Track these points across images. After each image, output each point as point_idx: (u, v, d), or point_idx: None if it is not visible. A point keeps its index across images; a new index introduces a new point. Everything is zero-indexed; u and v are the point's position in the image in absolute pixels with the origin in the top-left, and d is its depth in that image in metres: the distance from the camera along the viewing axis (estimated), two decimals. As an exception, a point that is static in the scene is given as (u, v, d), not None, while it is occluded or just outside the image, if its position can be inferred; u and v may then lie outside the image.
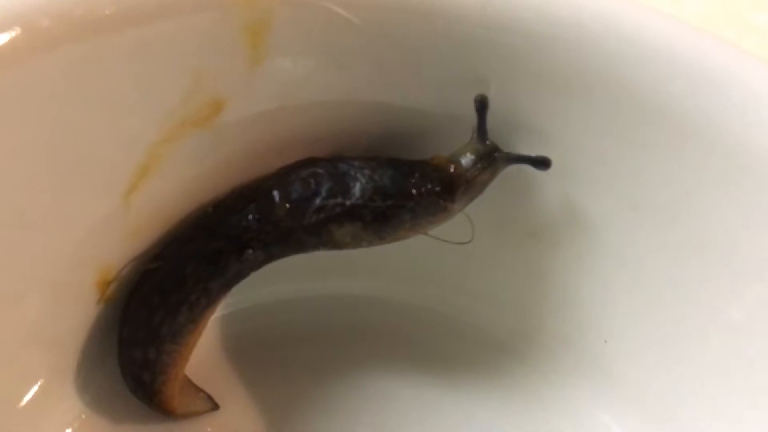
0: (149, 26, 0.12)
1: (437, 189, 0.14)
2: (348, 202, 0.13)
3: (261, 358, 0.16)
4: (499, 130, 0.14)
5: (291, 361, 0.16)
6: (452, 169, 0.14)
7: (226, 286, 0.14)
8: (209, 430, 0.15)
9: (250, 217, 0.14)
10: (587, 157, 0.14)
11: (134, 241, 0.14)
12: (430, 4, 0.13)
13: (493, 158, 0.14)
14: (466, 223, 0.15)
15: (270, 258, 0.14)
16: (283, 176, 0.14)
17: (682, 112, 0.13)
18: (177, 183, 0.14)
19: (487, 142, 0.14)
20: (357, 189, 0.14)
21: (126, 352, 0.14)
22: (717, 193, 0.13)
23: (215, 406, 0.15)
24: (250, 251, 0.14)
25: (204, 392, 0.15)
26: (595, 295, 0.15)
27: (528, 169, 0.15)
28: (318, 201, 0.13)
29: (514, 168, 0.15)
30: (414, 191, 0.14)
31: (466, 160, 0.14)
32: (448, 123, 0.14)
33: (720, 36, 0.31)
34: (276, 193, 0.14)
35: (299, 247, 0.14)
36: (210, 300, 0.14)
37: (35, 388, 0.14)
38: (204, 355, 0.15)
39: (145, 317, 0.14)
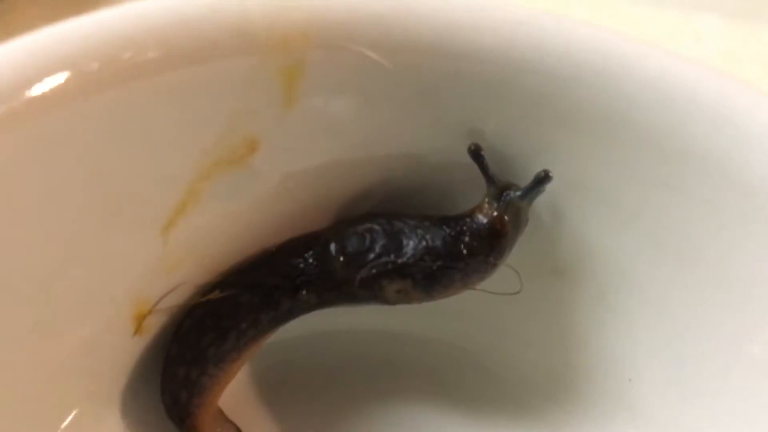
0: (190, 69, 0.12)
1: (486, 248, 0.14)
2: (399, 260, 0.14)
3: (290, 391, 0.16)
4: (524, 172, 0.15)
5: (319, 395, 0.16)
6: (496, 222, 0.14)
7: (276, 322, 0.15)
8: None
9: (309, 262, 0.14)
10: (610, 196, 0.15)
11: (171, 275, 0.14)
12: (456, 47, 0.14)
13: (509, 198, 0.14)
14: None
15: (322, 303, 0.15)
16: (342, 228, 0.15)
17: (703, 152, 0.13)
18: (214, 219, 0.14)
19: (499, 184, 0.14)
20: (409, 248, 0.14)
21: (170, 369, 0.15)
22: (738, 232, 0.14)
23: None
24: (304, 293, 0.15)
25: (234, 424, 0.15)
26: (619, 333, 0.16)
27: (551, 207, 0.15)
28: (371, 256, 0.14)
29: (538, 207, 0.15)
30: (465, 252, 0.14)
31: (495, 208, 0.14)
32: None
33: (743, 74, 0.31)
34: (333, 245, 0.14)
35: (352, 299, 0.15)
36: (258, 331, 0.15)
37: (72, 416, 0.14)
38: (238, 387, 0.16)
39: (195, 338, 0.15)
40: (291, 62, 0.13)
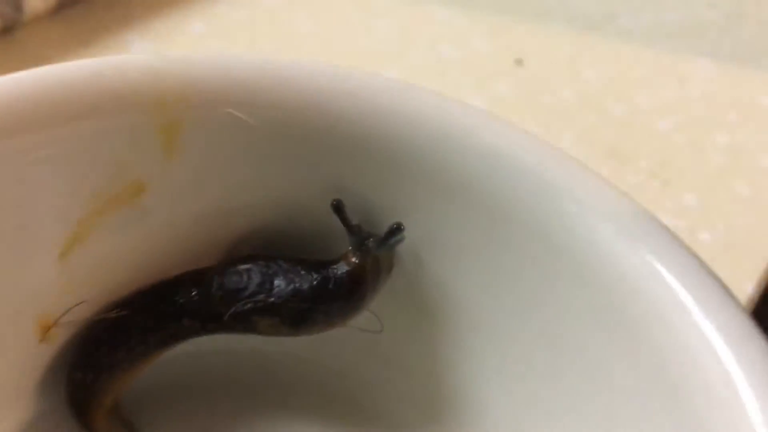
0: (76, 125, 0.15)
1: (347, 294, 0.16)
2: (270, 300, 0.16)
3: (181, 399, 0.18)
4: (386, 223, 0.16)
5: (206, 405, 0.18)
6: (357, 270, 0.16)
7: (163, 344, 0.17)
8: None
9: (193, 294, 0.17)
10: (459, 249, 0.16)
11: (71, 294, 0.17)
12: (317, 110, 0.15)
13: (368, 247, 0.16)
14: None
15: (205, 330, 0.17)
16: (224, 267, 0.17)
17: (525, 217, 0.15)
18: (108, 249, 0.16)
19: (360, 234, 0.16)
20: (280, 289, 0.16)
21: (71, 373, 0.17)
22: (559, 286, 0.15)
23: (136, 438, 0.18)
24: (187, 320, 0.17)
25: (129, 423, 0.18)
26: (472, 370, 0.17)
27: (413, 254, 0.17)
28: (246, 294, 0.16)
29: (403, 253, 0.17)
30: (328, 297, 0.16)
31: (356, 256, 0.16)
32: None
33: (720, 119, 0.32)
34: (215, 281, 0.16)
35: (230, 329, 0.17)
36: (147, 348, 0.17)
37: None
38: (136, 393, 0.18)
39: (92, 348, 0.17)
40: (168, 120, 0.15)
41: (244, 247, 0.17)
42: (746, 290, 0.25)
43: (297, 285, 0.16)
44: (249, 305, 0.16)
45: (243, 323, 0.16)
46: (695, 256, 0.14)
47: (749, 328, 0.13)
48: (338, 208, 0.16)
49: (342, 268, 0.16)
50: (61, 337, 0.17)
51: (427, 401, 0.18)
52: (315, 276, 0.16)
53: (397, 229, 0.16)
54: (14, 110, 0.14)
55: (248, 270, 0.16)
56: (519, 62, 0.33)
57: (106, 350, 0.17)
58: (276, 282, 0.16)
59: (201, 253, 0.17)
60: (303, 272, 0.16)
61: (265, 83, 0.15)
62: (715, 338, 0.13)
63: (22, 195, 0.15)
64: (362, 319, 0.17)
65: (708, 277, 0.13)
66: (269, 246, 0.17)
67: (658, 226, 0.14)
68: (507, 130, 0.15)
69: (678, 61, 0.35)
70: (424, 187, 0.16)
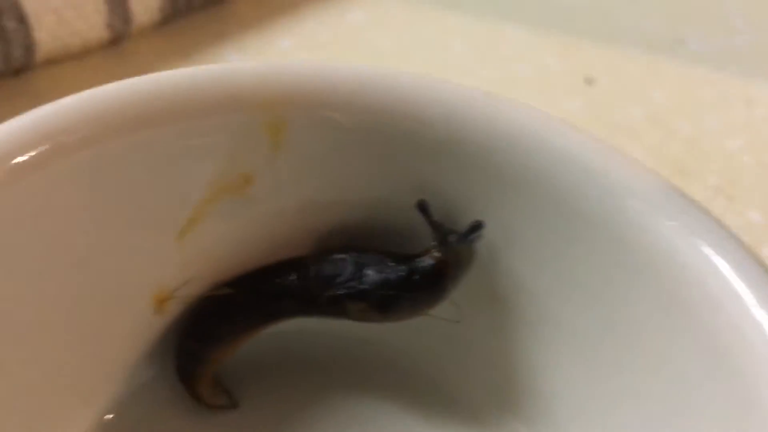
0: (195, 122, 0.17)
1: (431, 286, 0.18)
2: (360, 287, 0.18)
3: (277, 373, 0.20)
4: (466, 219, 0.18)
5: (298, 380, 0.20)
6: (441, 263, 0.18)
7: (263, 322, 0.19)
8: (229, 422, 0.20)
9: (293, 278, 0.19)
10: (533, 242, 0.18)
11: (186, 271, 0.19)
12: (402, 114, 0.17)
13: (450, 242, 0.18)
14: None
15: (301, 312, 0.19)
16: (322, 255, 0.19)
17: (592, 213, 0.17)
18: (218, 233, 0.19)
19: (443, 231, 0.18)
20: (370, 278, 0.18)
21: (182, 342, 0.20)
22: (625, 280, 0.17)
23: (235, 404, 0.20)
24: (286, 301, 0.19)
25: (228, 391, 0.20)
26: (547, 360, 0.19)
27: (489, 247, 0.18)
28: (339, 280, 0.18)
29: (480, 247, 0.18)
30: (414, 287, 0.18)
31: (440, 251, 0.18)
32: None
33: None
34: (312, 268, 0.19)
35: (323, 313, 0.19)
36: (249, 325, 0.19)
37: (104, 373, 0.19)
38: (237, 364, 0.20)
39: (201, 321, 0.19)
40: (275, 119, 0.17)
41: (335, 239, 0.19)
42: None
43: (386, 275, 0.18)
44: (342, 291, 0.18)
45: (335, 307, 0.18)
46: (748, 250, 0.15)
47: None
48: (423, 207, 0.18)
49: (426, 262, 0.18)
50: (172, 310, 0.19)
51: (502, 388, 0.19)
52: (402, 268, 0.18)
53: (477, 226, 0.18)
54: (153, 106, 0.17)
55: (343, 260, 0.18)
56: (589, 81, 0.34)
57: (215, 322, 0.19)
58: (367, 271, 0.18)
59: (297, 242, 0.19)
60: (391, 264, 0.18)
61: (359, 90, 0.17)
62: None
63: (149, 182, 0.17)
64: (442, 309, 0.19)
65: (760, 267, 0.15)
66: (357, 238, 0.19)
67: (713, 222, 0.15)
68: (575, 135, 0.17)
69: (746, 84, 0.36)
70: (499, 185, 0.18)
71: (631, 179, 0.16)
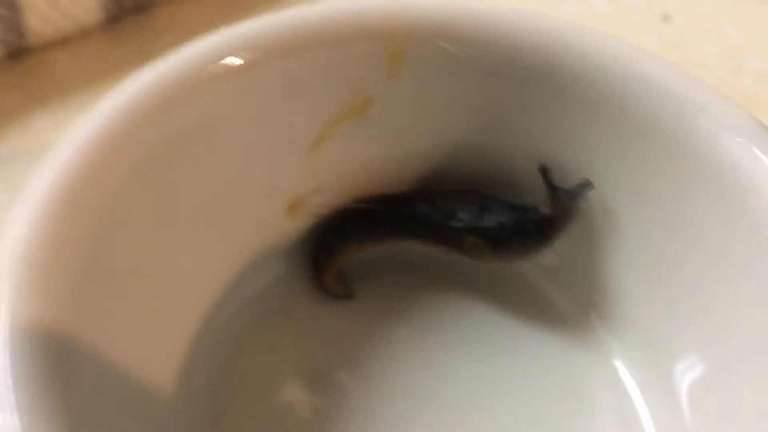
0: (331, 50, 0.20)
1: (541, 235, 0.21)
2: (478, 224, 0.21)
3: (390, 275, 0.24)
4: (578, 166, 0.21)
5: (405, 281, 0.24)
6: (552, 218, 0.21)
7: (392, 237, 0.23)
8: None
9: (419, 205, 0.22)
10: (611, 161, 0.21)
11: (315, 181, 0.22)
12: (506, 46, 0.20)
13: (562, 199, 0.21)
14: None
15: (424, 237, 0.22)
16: (446, 193, 0.22)
17: (669, 131, 0.19)
18: (343, 149, 0.22)
19: (555, 189, 0.21)
20: (488, 218, 0.21)
21: (317, 237, 0.23)
22: (697, 195, 0.19)
23: (351, 295, 0.23)
24: (415, 224, 0.22)
25: (349, 285, 0.23)
26: (617, 263, 0.22)
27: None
28: (462, 215, 0.21)
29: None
30: (525, 233, 0.21)
31: (550, 205, 0.21)
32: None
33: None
34: (440, 199, 0.22)
35: (442, 242, 0.22)
36: (379, 237, 0.23)
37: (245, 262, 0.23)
38: (360, 263, 0.24)
39: (334, 223, 0.23)
40: (396, 48, 0.20)
41: (448, 176, 0.23)
42: None
43: (502, 219, 0.21)
44: (462, 224, 0.21)
45: (454, 239, 0.22)
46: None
47: None
48: (545, 170, 0.21)
49: (538, 215, 0.21)
50: (302, 215, 0.23)
51: (586, 293, 0.23)
52: (516, 216, 0.21)
53: (586, 184, 0.21)
54: (297, 35, 0.20)
55: (470, 199, 0.22)
56: (666, 17, 0.36)
57: (355, 227, 0.23)
58: (486, 212, 0.21)
59: (413, 167, 0.23)
60: (509, 209, 0.21)
61: (468, 23, 0.20)
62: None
63: (291, 104, 0.21)
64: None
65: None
66: (463, 176, 0.23)
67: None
68: (655, 61, 0.20)
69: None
70: (588, 109, 0.20)
71: (705, 101, 0.19)
